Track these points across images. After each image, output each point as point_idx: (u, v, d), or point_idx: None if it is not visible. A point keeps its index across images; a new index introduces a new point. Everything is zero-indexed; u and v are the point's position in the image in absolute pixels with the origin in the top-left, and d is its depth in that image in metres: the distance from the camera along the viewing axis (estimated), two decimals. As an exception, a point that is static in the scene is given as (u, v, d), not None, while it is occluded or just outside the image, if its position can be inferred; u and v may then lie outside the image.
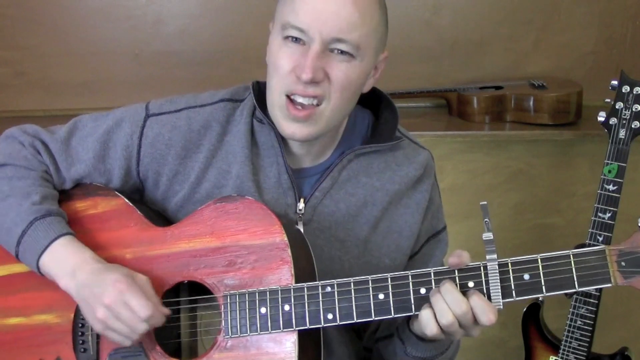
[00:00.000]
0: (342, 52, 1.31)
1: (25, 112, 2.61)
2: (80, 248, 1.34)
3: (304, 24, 1.29)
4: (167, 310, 1.31)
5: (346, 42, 1.30)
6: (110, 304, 1.26)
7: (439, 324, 1.22)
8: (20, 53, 2.60)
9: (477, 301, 1.20)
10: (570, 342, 2.19)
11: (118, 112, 1.46)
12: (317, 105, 1.33)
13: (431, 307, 1.22)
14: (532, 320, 2.33)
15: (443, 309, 1.20)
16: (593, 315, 2.15)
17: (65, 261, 1.32)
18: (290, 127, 1.34)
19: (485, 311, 1.20)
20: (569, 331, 2.18)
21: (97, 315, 1.28)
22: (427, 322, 1.22)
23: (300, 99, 1.32)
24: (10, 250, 1.37)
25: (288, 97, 1.33)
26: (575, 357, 2.20)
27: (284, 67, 1.32)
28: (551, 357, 2.28)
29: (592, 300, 2.14)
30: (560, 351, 2.22)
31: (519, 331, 2.35)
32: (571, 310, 2.17)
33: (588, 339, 2.17)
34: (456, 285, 1.22)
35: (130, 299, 1.26)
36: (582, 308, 2.15)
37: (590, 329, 2.16)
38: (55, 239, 1.33)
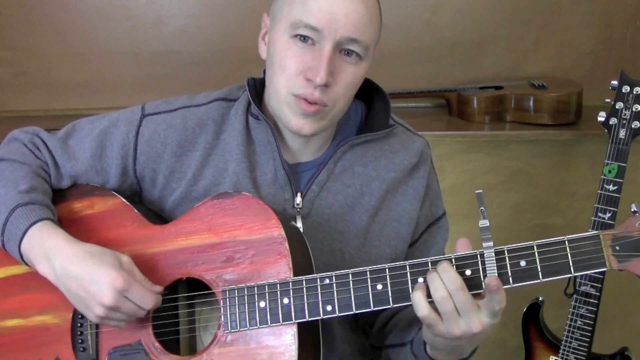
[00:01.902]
0: (350, 53, 1.32)
1: (25, 112, 2.61)
2: (54, 231, 1.31)
3: (319, 24, 1.29)
4: (159, 288, 1.30)
5: (359, 42, 1.31)
6: (111, 304, 1.25)
7: (431, 306, 1.19)
8: (20, 53, 2.61)
9: (495, 296, 1.17)
10: (570, 342, 2.18)
11: (115, 114, 1.47)
12: (324, 105, 1.34)
13: (423, 288, 1.20)
14: (532, 320, 2.33)
15: (437, 285, 1.19)
16: (593, 315, 2.15)
17: (39, 245, 1.30)
18: (299, 122, 1.34)
19: (500, 300, 1.17)
20: (569, 331, 2.18)
21: (96, 312, 1.27)
22: (418, 303, 1.20)
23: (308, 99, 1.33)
24: None
25: (295, 95, 1.33)
26: (575, 357, 2.19)
27: (291, 68, 1.32)
28: (551, 357, 2.27)
29: (592, 301, 2.13)
30: (560, 351, 2.22)
31: (519, 331, 2.35)
32: (571, 310, 2.16)
33: (588, 339, 2.16)
34: None
35: (132, 295, 1.26)
36: (582, 308, 2.15)
37: (590, 329, 2.16)
38: (33, 224, 1.31)
